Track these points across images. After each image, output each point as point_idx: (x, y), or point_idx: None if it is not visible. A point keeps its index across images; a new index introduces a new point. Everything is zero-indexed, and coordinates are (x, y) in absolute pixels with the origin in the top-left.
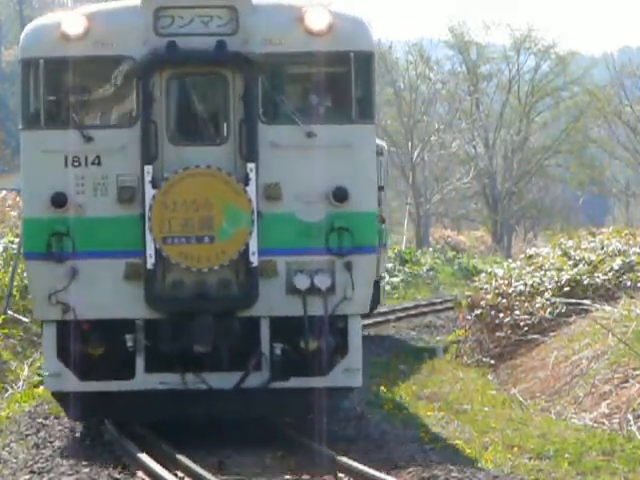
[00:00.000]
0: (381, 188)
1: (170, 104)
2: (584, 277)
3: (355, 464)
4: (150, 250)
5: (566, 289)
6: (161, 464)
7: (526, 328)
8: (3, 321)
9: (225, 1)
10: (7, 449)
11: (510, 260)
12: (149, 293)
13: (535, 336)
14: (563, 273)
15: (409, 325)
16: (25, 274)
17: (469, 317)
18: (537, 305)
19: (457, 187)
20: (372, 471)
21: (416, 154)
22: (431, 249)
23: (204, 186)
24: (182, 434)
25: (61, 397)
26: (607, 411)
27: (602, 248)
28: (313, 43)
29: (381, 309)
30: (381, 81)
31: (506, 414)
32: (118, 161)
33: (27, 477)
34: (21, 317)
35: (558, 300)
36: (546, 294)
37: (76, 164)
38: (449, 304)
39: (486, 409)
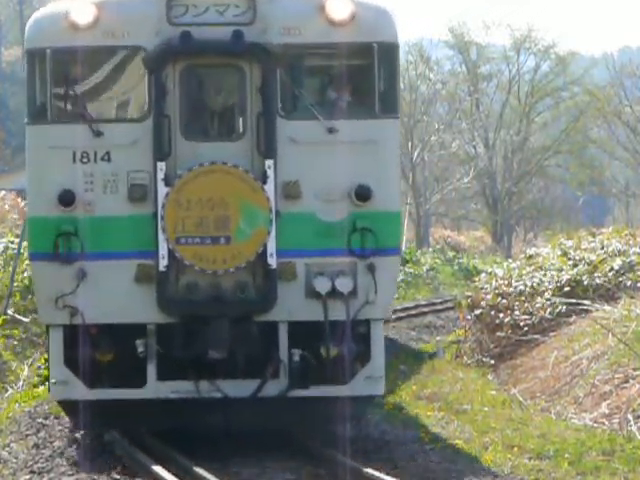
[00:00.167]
0: None
1: (184, 97)
2: (584, 277)
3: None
4: (163, 251)
5: (566, 289)
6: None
7: (526, 328)
8: (3, 321)
9: None
10: (7, 449)
11: (510, 260)
12: (161, 296)
13: (535, 336)
14: (563, 273)
15: (409, 325)
16: (25, 274)
17: (469, 317)
18: (537, 305)
19: (457, 187)
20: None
21: (416, 154)
22: (431, 249)
23: (220, 184)
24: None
25: (68, 406)
26: (607, 411)
27: (602, 248)
28: (334, 33)
29: None
30: None
31: (506, 414)
32: (129, 157)
33: (27, 477)
34: (21, 317)
35: (558, 300)
36: (546, 294)
37: (85, 160)
38: (449, 304)
39: (486, 409)
